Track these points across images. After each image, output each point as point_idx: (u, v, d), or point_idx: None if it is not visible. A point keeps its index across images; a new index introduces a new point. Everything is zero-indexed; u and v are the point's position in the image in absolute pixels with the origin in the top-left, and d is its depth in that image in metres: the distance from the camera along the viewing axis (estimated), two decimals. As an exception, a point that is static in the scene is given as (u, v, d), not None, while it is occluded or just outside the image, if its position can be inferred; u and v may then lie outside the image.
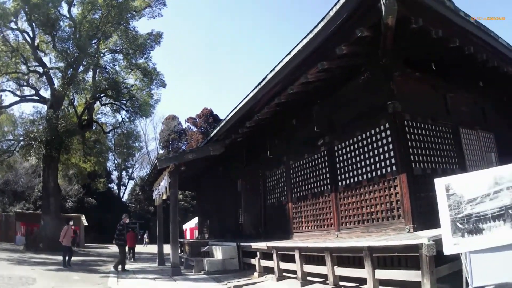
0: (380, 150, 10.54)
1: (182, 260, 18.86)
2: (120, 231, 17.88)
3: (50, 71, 30.82)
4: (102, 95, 31.74)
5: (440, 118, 11.44)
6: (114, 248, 30.59)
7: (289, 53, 10.84)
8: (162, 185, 18.30)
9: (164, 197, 18.69)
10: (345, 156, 12.02)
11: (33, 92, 33.18)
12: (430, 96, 11.54)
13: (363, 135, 11.24)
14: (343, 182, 11.98)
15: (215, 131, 17.70)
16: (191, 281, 13.38)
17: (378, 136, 10.66)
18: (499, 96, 14.19)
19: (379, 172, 10.55)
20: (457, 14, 9.04)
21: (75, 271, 16.96)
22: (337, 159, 12.37)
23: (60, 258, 19.13)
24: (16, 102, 32.70)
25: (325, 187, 12.93)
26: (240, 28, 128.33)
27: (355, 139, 11.59)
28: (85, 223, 42.75)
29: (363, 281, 8.46)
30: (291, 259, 11.35)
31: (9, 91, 32.66)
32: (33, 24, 29.15)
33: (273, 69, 11.70)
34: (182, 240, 24.04)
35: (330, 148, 12.72)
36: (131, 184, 77.46)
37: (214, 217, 25.37)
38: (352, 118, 11.73)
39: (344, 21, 8.98)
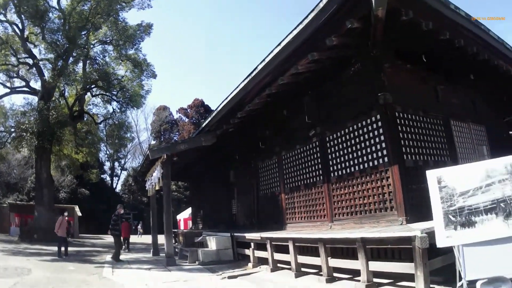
0: (372, 141, 10.58)
1: (176, 250, 18.90)
2: (115, 221, 17.88)
3: (40, 62, 30.57)
4: (93, 86, 31.51)
5: (431, 110, 11.50)
6: (108, 239, 30.60)
7: (279, 44, 10.81)
8: (155, 176, 18.33)
9: (157, 188, 18.76)
10: (337, 147, 12.06)
11: (24, 83, 32.85)
12: (421, 88, 11.59)
13: (355, 126, 11.28)
14: (336, 173, 12.04)
15: (207, 121, 17.69)
16: (186, 272, 13.40)
17: (370, 128, 10.69)
18: (490, 89, 14.28)
19: (371, 164, 10.60)
20: (447, 6, 9.06)
21: (70, 261, 16.96)
22: (329, 150, 12.41)
23: (55, 248, 19.12)
24: (6, 94, 32.35)
25: (318, 178, 12.99)
26: (240, 28, 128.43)
27: (346, 130, 11.62)
28: (79, 213, 42.64)
29: (356, 272, 8.52)
30: (285, 250, 11.42)
31: (-1, 82, 32.41)
32: (22, 16, 28.89)
33: (264, 59, 11.66)
34: (176, 230, 24.03)
35: (322, 139, 12.75)
36: (123, 174, 77.43)
37: (208, 208, 25.46)
38: (343, 109, 11.75)
39: (334, 12, 8.97)
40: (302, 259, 10.77)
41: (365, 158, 10.83)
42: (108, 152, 64.37)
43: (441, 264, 7.32)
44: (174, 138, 72.53)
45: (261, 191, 17.26)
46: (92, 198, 53.86)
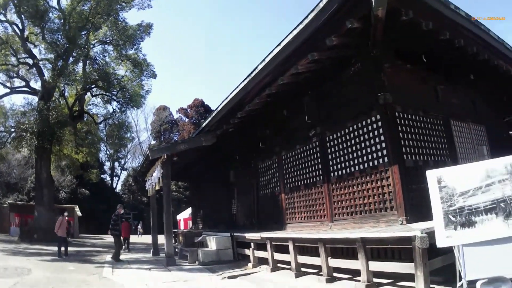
0: (372, 141, 10.59)
1: (176, 250, 18.92)
2: (115, 221, 17.89)
3: (40, 62, 30.62)
4: (93, 86, 31.57)
5: (431, 110, 11.51)
6: (108, 239, 30.59)
7: (279, 44, 10.81)
8: (155, 176, 18.34)
9: (157, 188, 18.77)
10: (337, 147, 12.07)
11: (24, 83, 32.90)
12: (421, 88, 11.60)
13: (355, 126, 11.29)
14: (336, 173, 12.05)
15: (207, 121, 17.69)
16: (186, 272, 13.41)
17: (370, 128, 10.70)
18: (490, 89, 14.29)
19: (371, 164, 10.61)
20: (447, 6, 9.06)
21: (70, 261, 16.97)
22: (329, 150, 12.42)
23: (55, 248, 19.14)
24: (6, 94, 32.38)
25: (318, 178, 13.00)
26: (240, 28, 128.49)
27: (346, 130, 11.63)
28: (79, 213, 42.66)
29: (356, 272, 8.52)
30: (285, 250, 11.43)
31: (-1, 83, 32.43)
32: (22, 16, 28.94)
33: (264, 59, 11.66)
34: (176, 230, 24.03)
35: (322, 139, 12.76)
36: (123, 174, 77.59)
37: (208, 208, 25.48)
38: (343, 109, 11.76)
39: (334, 12, 8.96)
40: (302, 259, 10.78)
41: (365, 158, 10.84)
42: (108, 152, 64.58)
43: (441, 264, 7.32)
44: (174, 138, 72.64)
45: (261, 191, 17.27)
46: (92, 198, 53.84)
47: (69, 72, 28.46)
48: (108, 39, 31.85)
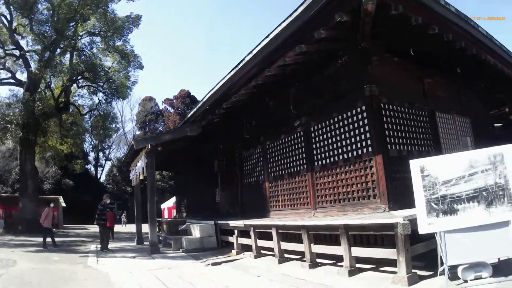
0: (357, 131, 10.74)
1: (160, 238, 18.98)
2: (101, 211, 17.79)
3: (27, 54, 30.64)
4: (79, 78, 31.66)
5: (417, 102, 11.67)
6: (92, 229, 30.54)
7: (267, 36, 10.82)
8: (139, 166, 18.32)
9: (141, 178, 18.75)
10: (321, 137, 12.19)
11: (9, 75, 32.75)
12: (408, 81, 11.74)
13: (340, 117, 11.41)
14: (319, 162, 12.18)
15: (192, 112, 17.72)
16: (170, 259, 13.52)
17: (355, 118, 10.84)
18: (477, 82, 14.47)
19: (355, 153, 10.76)
20: (437, 2, 9.12)
21: (55, 252, 16.93)
22: (313, 140, 12.53)
23: (40, 239, 19.12)
24: (-9, 86, 32.16)
25: (302, 167, 13.13)
26: (240, 28, 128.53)
27: (331, 121, 11.75)
28: (63, 204, 42.52)
29: (339, 258, 8.71)
30: (268, 237, 11.55)
31: (-16, 74, 32.10)
32: (11, 7, 28.74)
33: (251, 51, 11.67)
34: (160, 219, 24.11)
35: (307, 129, 12.87)
36: (108, 165, 77.85)
37: (192, 196, 25.49)
38: (329, 100, 11.85)
39: (323, 6, 8.97)
40: (286, 245, 10.94)
41: (349, 148, 10.98)
42: (92, 143, 65.01)
43: (423, 250, 7.48)
44: (159, 128, 72.76)
45: (245, 180, 17.35)
46: (76, 188, 53.89)
47: (56, 63, 28.61)
48: (96, 30, 31.95)
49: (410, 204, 7.80)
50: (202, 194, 22.83)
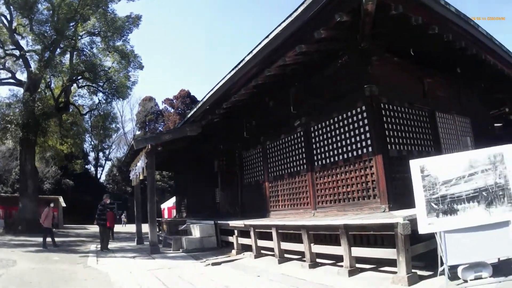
0: (357, 131, 10.73)
1: (160, 238, 18.97)
2: (101, 211, 17.78)
3: (27, 54, 30.64)
4: (79, 78, 31.70)
5: (417, 102, 11.66)
6: (92, 228, 30.52)
7: (267, 36, 10.81)
8: (139, 166, 18.31)
9: (141, 178, 18.73)
10: (321, 137, 12.18)
11: (9, 75, 32.74)
12: (408, 81, 11.72)
13: (340, 117, 11.40)
14: (320, 162, 12.17)
15: (192, 112, 17.70)
16: (170, 259, 13.51)
17: (355, 118, 10.83)
18: (477, 82, 14.45)
19: (355, 153, 10.75)
20: (437, 2, 9.10)
21: (55, 252, 16.91)
22: (313, 140, 12.52)
23: (39, 239, 19.12)
24: (-9, 86, 32.18)
25: (302, 167, 13.12)
26: (240, 28, 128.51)
27: (331, 121, 11.74)
28: (63, 204, 42.50)
29: (339, 258, 8.71)
30: (268, 237, 11.55)
31: (-16, 74, 32.08)
32: (11, 7, 28.73)
33: (251, 51, 11.66)
34: (160, 219, 24.09)
35: (307, 129, 12.86)
36: (108, 165, 77.83)
37: (192, 196, 25.47)
38: (329, 100, 11.84)
39: (323, 6, 8.95)
40: (285, 245, 10.93)
41: (349, 148, 10.97)
42: (92, 143, 65.03)
43: (423, 250, 7.47)
44: (159, 128, 72.77)
45: (245, 180, 17.34)
46: (77, 188, 53.84)
47: (56, 63, 28.62)
48: (96, 30, 31.94)
49: (410, 204, 7.80)
50: (202, 194, 22.81)
